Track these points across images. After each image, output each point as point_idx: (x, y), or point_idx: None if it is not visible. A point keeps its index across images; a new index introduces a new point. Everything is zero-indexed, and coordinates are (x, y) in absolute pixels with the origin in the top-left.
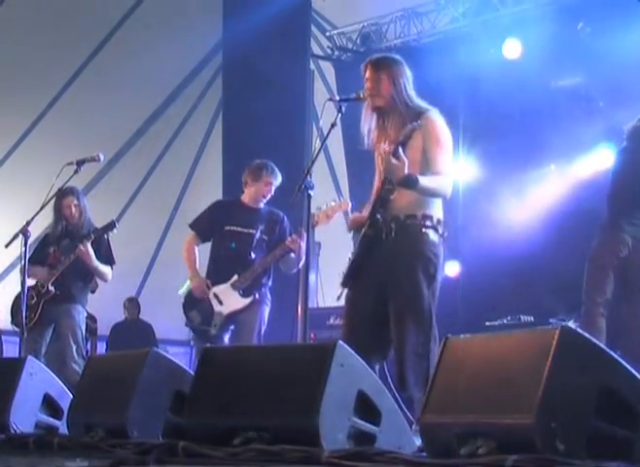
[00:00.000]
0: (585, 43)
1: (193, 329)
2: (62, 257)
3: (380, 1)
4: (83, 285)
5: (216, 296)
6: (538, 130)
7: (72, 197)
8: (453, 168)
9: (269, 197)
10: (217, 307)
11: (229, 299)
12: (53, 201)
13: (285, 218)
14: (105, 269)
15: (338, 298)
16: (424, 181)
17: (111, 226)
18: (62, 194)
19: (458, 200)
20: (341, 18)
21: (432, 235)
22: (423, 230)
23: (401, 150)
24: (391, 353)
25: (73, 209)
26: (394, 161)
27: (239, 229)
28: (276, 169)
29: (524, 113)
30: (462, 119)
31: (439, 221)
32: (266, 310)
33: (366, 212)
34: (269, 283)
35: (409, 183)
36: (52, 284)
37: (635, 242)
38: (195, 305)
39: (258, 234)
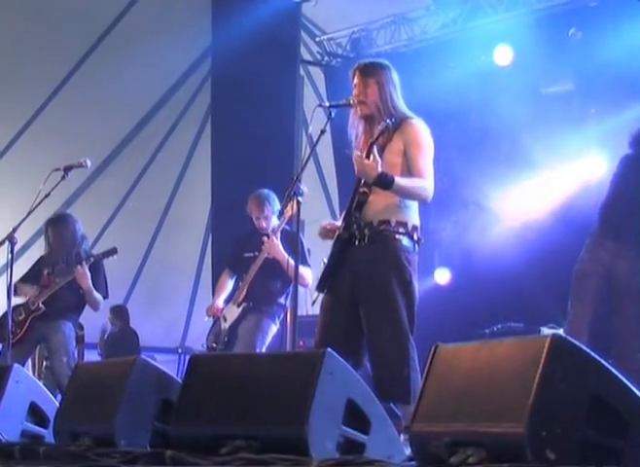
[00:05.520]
0: (576, 49)
1: (207, 348)
2: (57, 279)
3: (370, 7)
4: (75, 305)
5: (224, 316)
6: (529, 137)
7: (58, 230)
8: (433, 173)
9: (267, 227)
10: (223, 325)
11: (230, 314)
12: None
13: (293, 234)
14: (99, 296)
15: (314, 303)
16: (401, 181)
17: (112, 252)
18: (50, 225)
19: (449, 208)
20: (331, 24)
21: (405, 242)
22: (396, 236)
23: (375, 150)
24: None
25: (62, 239)
26: (366, 160)
27: (249, 254)
28: (259, 199)
29: (516, 120)
30: (452, 125)
31: (414, 227)
32: (272, 327)
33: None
34: (284, 302)
35: (384, 182)
36: (42, 303)
37: (620, 251)
38: (212, 328)
39: (263, 256)
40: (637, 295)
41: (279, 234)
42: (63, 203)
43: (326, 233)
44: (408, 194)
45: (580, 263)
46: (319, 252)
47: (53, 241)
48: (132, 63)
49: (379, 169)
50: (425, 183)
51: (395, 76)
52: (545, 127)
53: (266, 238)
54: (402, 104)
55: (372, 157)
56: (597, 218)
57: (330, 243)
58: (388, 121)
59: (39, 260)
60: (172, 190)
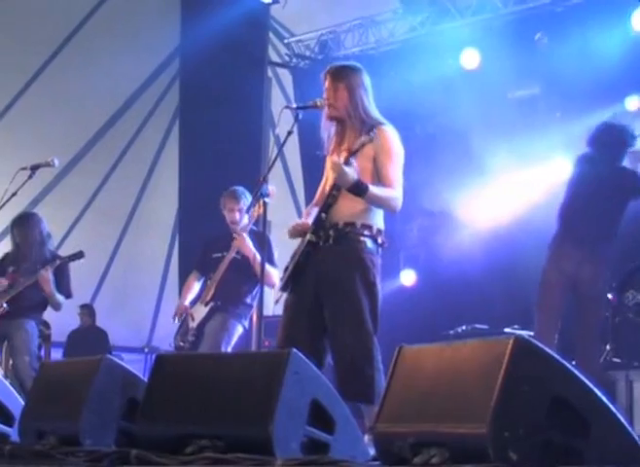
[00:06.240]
0: (542, 53)
1: (175, 347)
2: (21, 279)
3: (338, 9)
4: (38, 303)
5: (191, 314)
6: (495, 141)
7: (24, 230)
8: (402, 182)
9: (240, 220)
10: (191, 324)
11: (198, 313)
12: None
13: (261, 235)
14: (60, 298)
15: (277, 302)
16: (374, 190)
17: (78, 255)
18: (16, 223)
19: (414, 211)
20: (299, 26)
21: (369, 244)
22: (361, 238)
23: (352, 158)
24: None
25: (27, 238)
26: (346, 167)
27: (217, 254)
28: (236, 192)
29: (482, 123)
30: (419, 128)
31: (379, 231)
32: (237, 327)
33: (305, 219)
34: (251, 303)
35: (359, 189)
36: (6, 302)
37: (584, 257)
38: (180, 327)
39: (231, 255)
40: (600, 299)
41: (247, 234)
42: (30, 202)
43: (296, 231)
44: (378, 203)
45: (543, 274)
46: (286, 253)
47: (19, 240)
48: (101, 62)
49: (356, 176)
50: (395, 193)
51: (367, 79)
52: (511, 131)
53: (235, 235)
54: (373, 108)
55: (350, 165)
56: (557, 220)
57: (293, 245)
58: (371, 134)
59: (4, 257)
60: (140, 189)
